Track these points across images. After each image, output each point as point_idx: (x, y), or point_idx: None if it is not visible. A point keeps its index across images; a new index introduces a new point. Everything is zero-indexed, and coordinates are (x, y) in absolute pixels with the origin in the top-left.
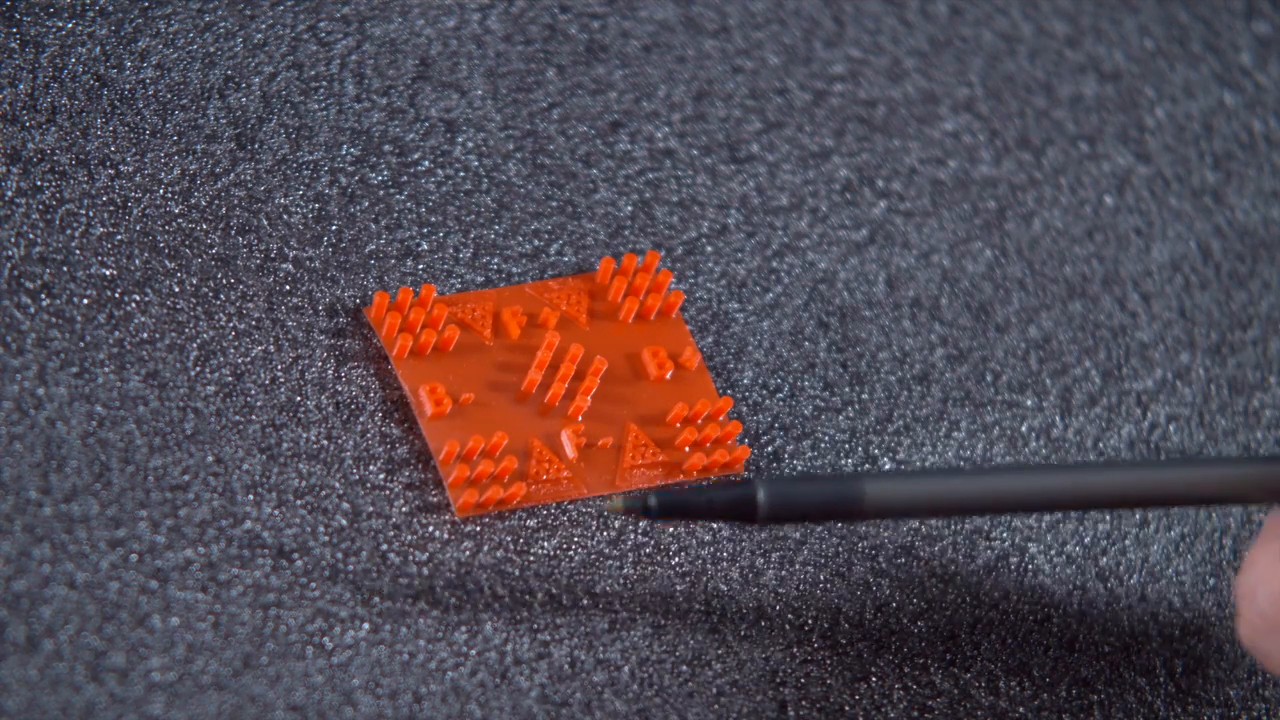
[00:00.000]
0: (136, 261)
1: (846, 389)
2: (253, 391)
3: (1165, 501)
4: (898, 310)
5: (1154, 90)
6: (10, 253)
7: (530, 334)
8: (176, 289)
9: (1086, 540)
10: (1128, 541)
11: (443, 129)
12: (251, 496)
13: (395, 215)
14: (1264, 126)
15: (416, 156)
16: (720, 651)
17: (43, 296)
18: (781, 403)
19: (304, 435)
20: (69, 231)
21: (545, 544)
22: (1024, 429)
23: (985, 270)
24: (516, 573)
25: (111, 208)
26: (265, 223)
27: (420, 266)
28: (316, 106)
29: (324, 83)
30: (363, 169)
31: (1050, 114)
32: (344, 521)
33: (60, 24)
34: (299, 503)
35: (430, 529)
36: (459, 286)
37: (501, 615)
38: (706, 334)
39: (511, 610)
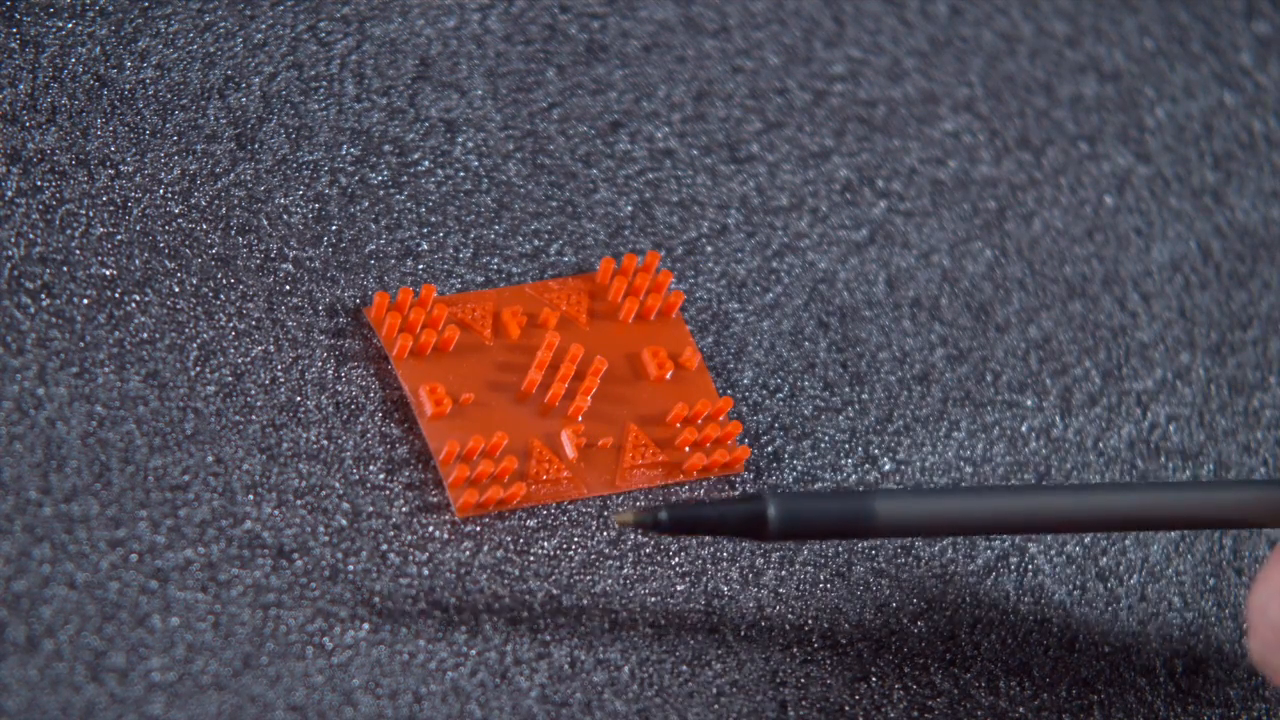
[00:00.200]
0: (136, 261)
1: (846, 389)
2: (253, 391)
3: (1186, 524)
4: (898, 310)
5: (1154, 90)
6: (10, 253)
7: (530, 334)
8: (176, 289)
9: (1086, 540)
10: (1128, 541)
11: (443, 129)
12: (251, 496)
13: (395, 215)
14: (1264, 126)
15: (416, 156)
16: (720, 651)
17: (43, 296)
18: (781, 403)
19: (304, 435)
20: (69, 231)
21: (545, 544)
22: (1024, 429)
23: (985, 270)
24: (516, 573)
25: (111, 208)
26: (265, 223)
27: (420, 266)
28: (316, 106)
29: (324, 83)
30: (363, 169)
31: (1050, 114)
32: (344, 521)
33: (60, 24)
34: (299, 503)
35: (430, 529)
36: (459, 286)
37: (501, 615)
38: (706, 334)
39: (511, 610)
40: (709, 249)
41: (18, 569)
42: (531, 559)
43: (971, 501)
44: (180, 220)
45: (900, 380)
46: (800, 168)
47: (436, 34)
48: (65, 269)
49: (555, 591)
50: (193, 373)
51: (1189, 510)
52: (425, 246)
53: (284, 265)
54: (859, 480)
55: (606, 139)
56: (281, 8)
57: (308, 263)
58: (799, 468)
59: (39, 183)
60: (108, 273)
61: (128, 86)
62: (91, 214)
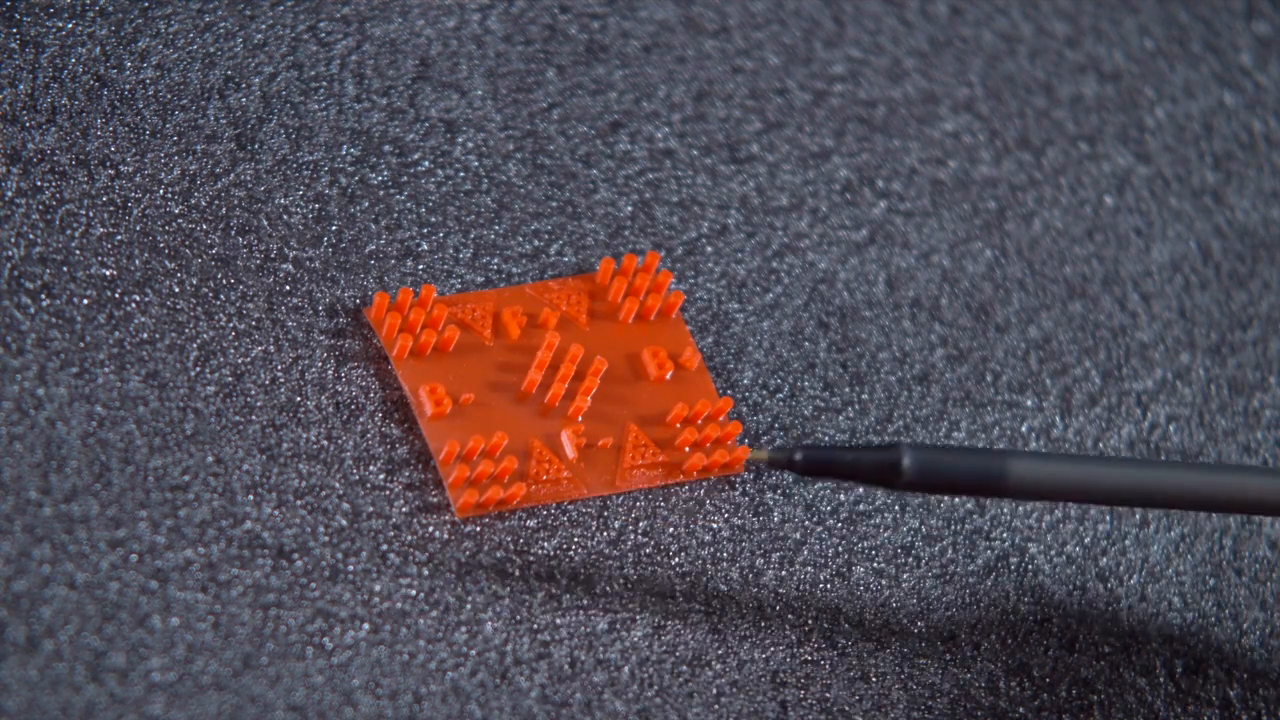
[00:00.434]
0: (136, 261)
1: (846, 389)
2: (253, 392)
3: None
4: (898, 310)
5: (1154, 90)
6: (10, 253)
7: (530, 334)
8: (176, 289)
9: (1086, 540)
10: (1128, 541)
11: (443, 129)
12: (251, 497)
13: (395, 215)
14: (1264, 126)
15: (416, 156)
16: (720, 651)
17: (43, 296)
18: (781, 403)
19: (304, 435)
20: (69, 231)
21: (545, 544)
22: (1024, 429)
23: (985, 270)
24: (516, 573)
25: (111, 208)
26: (265, 223)
27: (420, 267)
28: (316, 106)
29: (324, 83)
30: (363, 169)
31: (1050, 114)
32: (344, 522)
33: (60, 24)
34: (299, 503)
35: (430, 529)
36: (459, 287)
37: (501, 615)
38: (706, 334)
39: (511, 610)
40: (709, 249)
41: (18, 569)
42: (531, 559)
43: (1104, 470)
44: (180, 220)
45: (900, 380)
46: (800, 168)
47: (436, 34)
48: (65, 269)
49: (555, 591)
50: (193, 373)
51: None
52: (425, 247)
53: (284, 265)
54: None
55: (606, 139)
56: (281, 8)
57: (308, 263)
58: None
59: (39, 183)
60: (108, 273)
61: (128, 87)
62: (91, 214)
